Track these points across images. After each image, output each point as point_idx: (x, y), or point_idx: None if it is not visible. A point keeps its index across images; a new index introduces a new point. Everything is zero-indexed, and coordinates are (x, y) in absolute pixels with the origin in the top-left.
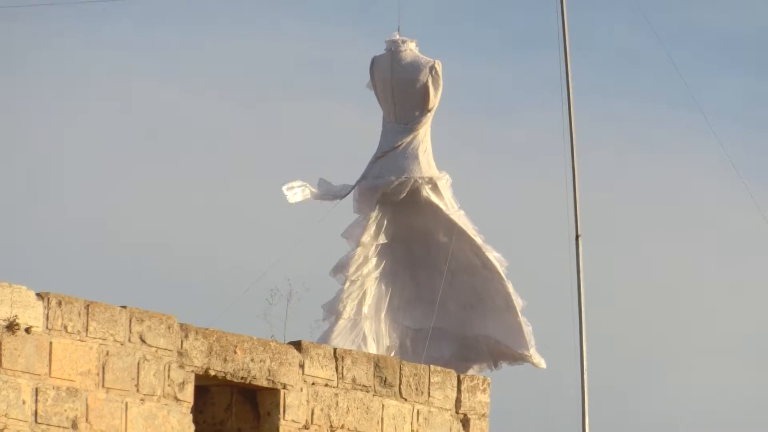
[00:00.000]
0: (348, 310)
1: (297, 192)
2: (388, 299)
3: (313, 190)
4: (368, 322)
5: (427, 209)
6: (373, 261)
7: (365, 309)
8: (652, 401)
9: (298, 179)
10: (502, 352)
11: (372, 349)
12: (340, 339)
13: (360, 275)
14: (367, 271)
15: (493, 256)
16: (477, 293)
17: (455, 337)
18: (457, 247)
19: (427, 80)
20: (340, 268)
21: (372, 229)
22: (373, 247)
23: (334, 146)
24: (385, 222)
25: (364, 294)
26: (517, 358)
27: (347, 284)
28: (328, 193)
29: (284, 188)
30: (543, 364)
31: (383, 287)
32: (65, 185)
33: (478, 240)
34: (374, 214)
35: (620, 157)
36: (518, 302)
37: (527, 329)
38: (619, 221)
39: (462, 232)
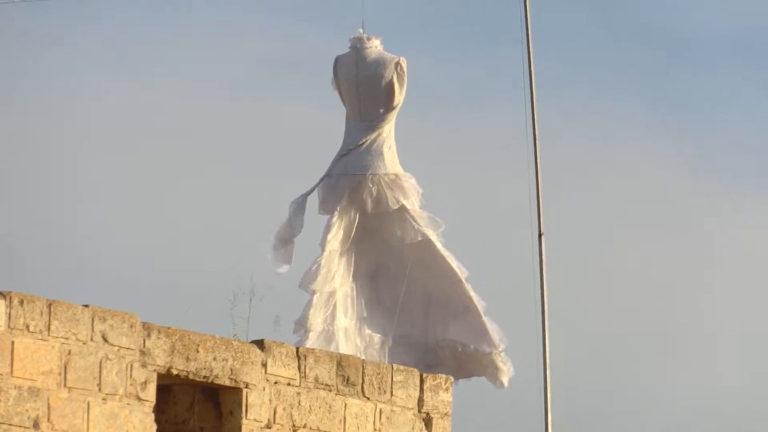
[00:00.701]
0: (318, 323)
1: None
2: (357, 306)
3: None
4: (342, 332)
5: (392, 210)
6: (342, 267)
7: (339, 319)
8: (618, 399)
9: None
10: (468, 354)
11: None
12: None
13: (328, 286)
14: (335, 280)
15: (455, 263)
16: (437, 298)
17: (418, 345)
18: (417, 252)
19: (392, 77)
20: (309, 279)
21: (339, 232)
22: (339, 251)
23: (296, 145)
24: (350, 223)
25: (335, 304)
26: (484, 361)
27: (316, 297)
28: (292, 221)
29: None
30: (506, 381)
31: (353, 294)
32: (27, 184)
33: (440, 246)
34: (338, 216)
35: (584, 155)
36: (480, 304)
37: (493, 328)
38: (583, 219)
39: (424, 237)
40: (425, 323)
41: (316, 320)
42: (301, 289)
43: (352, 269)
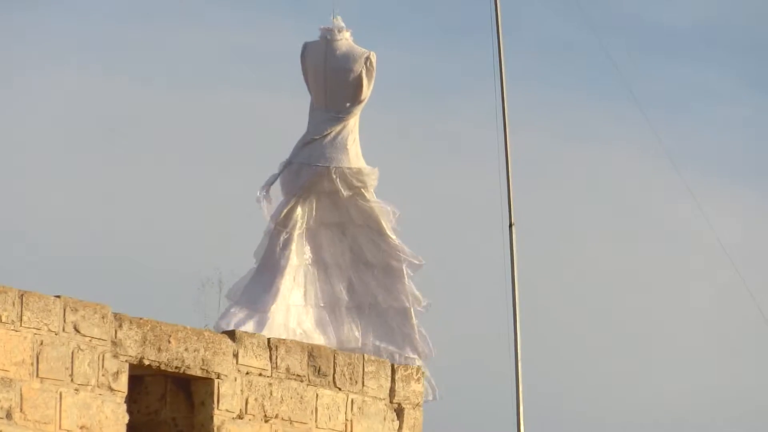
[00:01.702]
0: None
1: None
2: (299, 292)
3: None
4: (279, 314)
5: (349, 201)
6: (293, 252)
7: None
8: (587, 393)
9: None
10: (391, 355)
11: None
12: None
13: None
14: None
15: (406, 255)
16: (375, 297)
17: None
18: (366, 244)
19: (361, 71)
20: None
21: (294, 211)
22: (292, 236)
23: (262, 136)
24: (306, 209)
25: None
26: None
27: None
28: (265, 183)
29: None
30: (429, 397)
31: (297, 278)
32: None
33: (392, 238)
34: (295, 201)
35: (554, 146)
36: (418, 304)
37: (420, 335)
38: (553, 209)
39: (377, 229)
40: (365, 326)
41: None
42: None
43: (306, 253)
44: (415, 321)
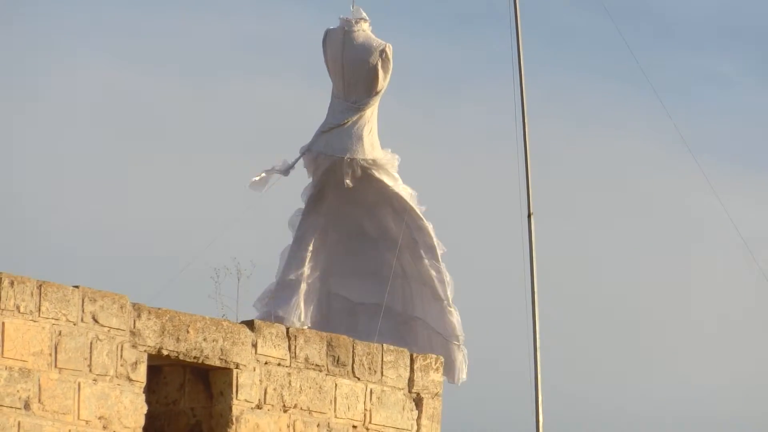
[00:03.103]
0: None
1: (259, 182)
2: (323, 268)
3: (265, 175)
4: (305, 286)
5: (372, 187)
6: (316, 233)
7: (304, 273)
8: (605, 383)
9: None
10: (435, 338)
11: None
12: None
13: (297, 273)
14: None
15: (435, 240)
16: (412, 275)
17: (395, 314)
18: (398, 220)
19: (377, 63)
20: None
21: (313, 205)
22: (315, 218)
23: (280, 124)
24: (329, 196)
25: (302, 267)
26: (446, 348)
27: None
28: (276, 169)
29: (250, 185)
30: (459, 378)
31: (321, 258)
32: (12, 166)
33: (424, 221)
34: (316, 188)
35: (573, 135)
36: (449, 289)
37: (457, 319)
38: (572, 199)
39: (405, 204)
40: (403, 295)
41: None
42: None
43: (329, 235)
44: (451, 306)
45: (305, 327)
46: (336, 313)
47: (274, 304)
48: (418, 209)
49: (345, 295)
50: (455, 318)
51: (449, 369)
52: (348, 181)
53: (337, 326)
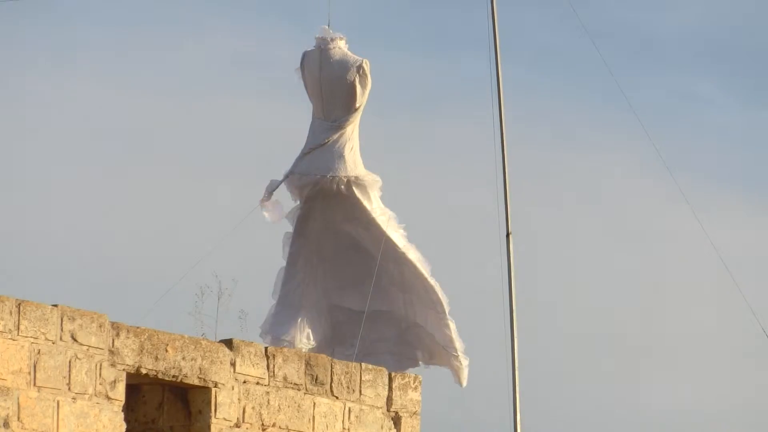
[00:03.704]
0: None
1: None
2: (321, 285)
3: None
4: (304, 312)
5: (354, 208)
6: (307, 252)
7: (302, 290)
8: (582, 398)
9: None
10: (436, 345)
11: (314, 336)
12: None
13: (290, 290)
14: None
15: (416, 257)
16: (409, 284)
17: (399, 320)
18: (383, 252)
19: (354, 79)
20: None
21: (301, 223)
22: (305, 239)
23: (259, 143)
24: (316, 215)
25: (300, 287)
26: (446, 357)
27: (278, 307)
28: (270, 189)
29: (265, 213)
30: (464, 380)
31: (317, 275)
32: None
33: (401, 245)
34: (302, 209)
35: (551, 155)
36: (444, 302)
37: (453, 329)
38: (550, 219)
39: (385, 239)
40: (404, 301)
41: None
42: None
43: (319, 251)
44: (448, 317)
45: (313, 345)
46: (340, 324)
47: (278, 330)
48: (395, 237)
49: (347, 306)
50: (451, 329)
51: (453, 374)
52: (337, 190)
53: (342, 337)
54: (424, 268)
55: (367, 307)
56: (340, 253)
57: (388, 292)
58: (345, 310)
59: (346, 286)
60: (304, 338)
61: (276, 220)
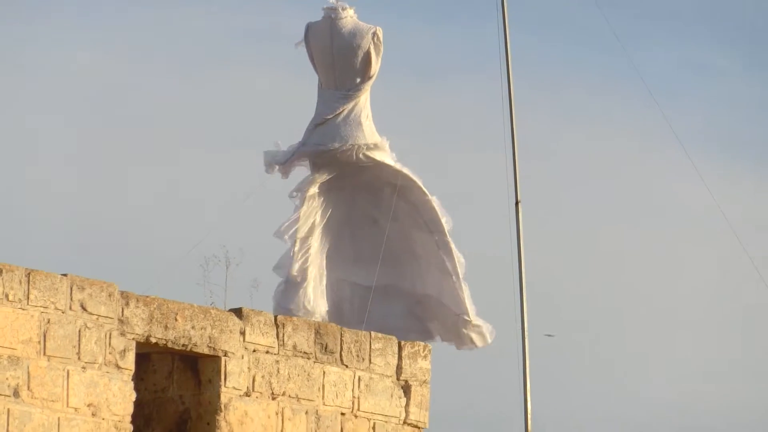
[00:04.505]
0: (296, 269)
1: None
2: (330, 256)
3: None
4: (313, 283)
5: (374, 169)
6: (317, 219)
7: (310, 270)
8: (592, 370)
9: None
10: (448, 314)
11: (322, 308)
12: (287, 300)
13: (306, 236)
14: (310, 231)
15: (440, 215)
16: (420, 253)
17: (407, 295)
18: (402, 199)
19: (369, 47)
20: (286, 230)
21: (315, 188)
22: (317, 206)
23: (268, 115)
24: (329, 187)
25: (308, 256)
26: (459, 323)
27: (297, 246)
28: (273, 160)
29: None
30: (487, 338)
31: (327, 245)
32: (1, 154)
33: (428, 195)
34: (317, 177)
35: (559, 124)
36: (460, 265)
37: (465, 293)
38: (560, 188)
39: (409, 181)
40: (413, 275)
41: (295, 267)
42: (276, 237)
43: (330, 221)
44: (462, 282)
45: (318, 318)
46: (347, 299)
47: (285, 299)
48: (425, 187)
49: (354, 281)
50: (465, 293)
51: (464, 341)
52: (357, 159)
53: (349, 312)
54: (446, 225)
55: (375, 281)
56: (351, 227)
57: (399, 262)
58: (351, 285)
59: (354, 260)
60: (307, 310)
61: (286, 173)
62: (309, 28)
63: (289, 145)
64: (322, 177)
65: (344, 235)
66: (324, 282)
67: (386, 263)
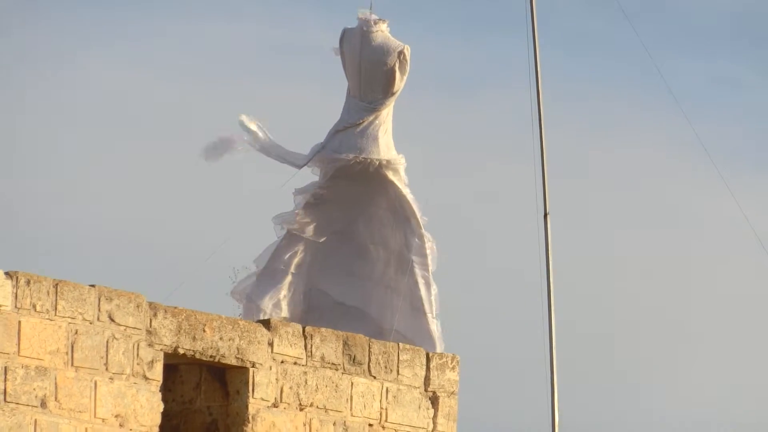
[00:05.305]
0: (277, 265)
1: (252, 131)
2: (313, 262)
3: (263, 137)
4: (290, 277)
5: (380, 186)
6: (313, 223)
7: (293, 264)
8: (620, 381)
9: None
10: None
11: (288, 311)
12: (260, 289)
13: (297, 234)
14: (301, 230)
15: (429, 252)
16: (398, 287)
17: (370, 322)
18: (398, 229)
19: (394, 65)
20: (285, 221)
21: (320, 192)
22: (317, 210)
23: (294, 128)
24: (333, 195)
25: (293, 255)
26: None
27: (285, 241)
28: (279, 156)
29: (244, 118)
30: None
31: (314, 250)
32: (26, 163)
33: (423, 231)
34: (323, 187)
35: (588, 137)
36: (434, 301)
37: (435, 331)
38: (588, 200)
39: (411, 219)
40: (382, 305)
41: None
42: (274, 222)
43: (324, 227)
44: (430, 316)
45: (282, 318)
46: (315, 308)
47: (256, 294)
48: (421, 219)
49: (326, 291)
50: (435, 328)
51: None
52: (366, 172)
53: (316, 322)
54: (431, 264)
55: (344, 299)
56: (339, 240)
57: (374, 287)
58: (322, 294)
59: (332, 272)
60: (275, 309)
61: (213, 158)
62: (344, 33)
63: (313, 144)
64: (329, 183)
65: (330, 247)
66: (298, 286)
67: (360, 285)
